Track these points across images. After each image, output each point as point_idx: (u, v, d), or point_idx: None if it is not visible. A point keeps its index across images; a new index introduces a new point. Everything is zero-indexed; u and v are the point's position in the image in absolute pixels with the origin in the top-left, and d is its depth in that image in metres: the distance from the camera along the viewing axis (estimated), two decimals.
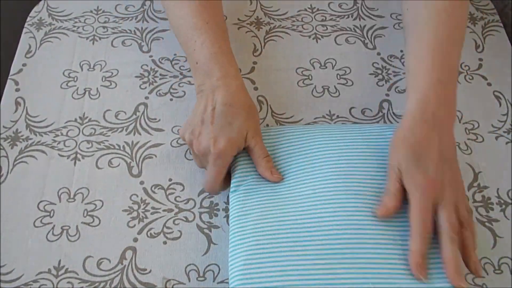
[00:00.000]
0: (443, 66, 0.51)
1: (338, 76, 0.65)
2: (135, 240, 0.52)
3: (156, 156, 0.58)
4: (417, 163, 0.47)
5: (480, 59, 0.66)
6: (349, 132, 0.55)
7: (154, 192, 0.55)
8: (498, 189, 0.56)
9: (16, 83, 0.63)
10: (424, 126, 0.48)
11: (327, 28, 0.69)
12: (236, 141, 0.51)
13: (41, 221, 0.53)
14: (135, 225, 0.53)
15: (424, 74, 0.50)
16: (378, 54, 0.67)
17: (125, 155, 0.58)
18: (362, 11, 0.72)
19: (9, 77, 0.64)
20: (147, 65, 0.65)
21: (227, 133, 0.50)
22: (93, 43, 0.68)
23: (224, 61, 0.54)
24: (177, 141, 0.59)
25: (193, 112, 0.53)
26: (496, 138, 0.60)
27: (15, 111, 0.61)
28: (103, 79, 0.64)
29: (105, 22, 0.70)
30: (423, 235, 0.45)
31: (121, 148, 0.58)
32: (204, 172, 0.54)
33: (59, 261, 0.51)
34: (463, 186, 0.49)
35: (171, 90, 0.63)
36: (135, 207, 0.54)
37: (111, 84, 0.64)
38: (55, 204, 0.54)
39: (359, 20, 0.70)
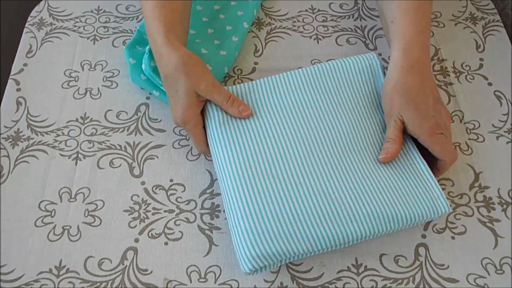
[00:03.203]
0: (425, 16, 0.56)
1: None
2: (136, 240, 0.52)
3: (157, 157, 0.58)
4: (417, 110, 0.51)
5: (481, 59, 0.66)
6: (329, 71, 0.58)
7: (155, 193, 0.55)
8: (499, 189, 0.56)
9: (17, 83, 0.63)
10: (412, 72, 0.53)
11: (328, 29, 0.69)
12: (188, 103, 0.52)
13: (42, 220, 0.53)
14: (136, 225, 0.53)
15: (409, 24, 0.55)
16: (380, 54, 0.67)
17: (126, 155, 0.58)
18: (363, 11, 0.71)
19: (10, 77, 0.64)
20: None
21: (177, 101, 0.53)
22: (94, 43, 0.67)
23: (154, 37, 0.54)
24: (178, 142, 0.59)
25: None
26: (497, 138, 0.60)
27: (16, 110, 0.61)
28: (104, 79, 0.64)
29: (106, 22, 0.70)
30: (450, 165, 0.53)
31: (123, 148, 0.58)
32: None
33: (60, 261, 0.51)
34: (449, 112, 0.55)
35: None
36: (136, 207, 0.54)
37: (112, 84, 0.64)
38: (56, 204, 0.54)
39: (360, 20, 0.70)
